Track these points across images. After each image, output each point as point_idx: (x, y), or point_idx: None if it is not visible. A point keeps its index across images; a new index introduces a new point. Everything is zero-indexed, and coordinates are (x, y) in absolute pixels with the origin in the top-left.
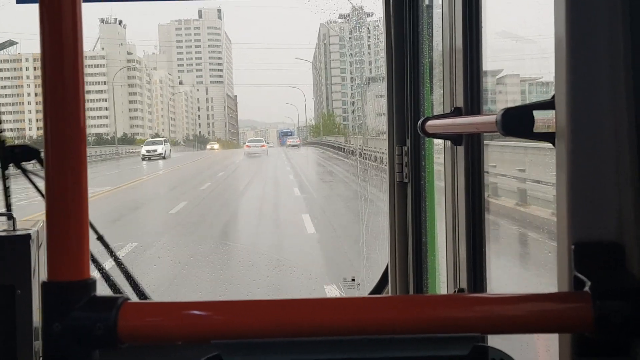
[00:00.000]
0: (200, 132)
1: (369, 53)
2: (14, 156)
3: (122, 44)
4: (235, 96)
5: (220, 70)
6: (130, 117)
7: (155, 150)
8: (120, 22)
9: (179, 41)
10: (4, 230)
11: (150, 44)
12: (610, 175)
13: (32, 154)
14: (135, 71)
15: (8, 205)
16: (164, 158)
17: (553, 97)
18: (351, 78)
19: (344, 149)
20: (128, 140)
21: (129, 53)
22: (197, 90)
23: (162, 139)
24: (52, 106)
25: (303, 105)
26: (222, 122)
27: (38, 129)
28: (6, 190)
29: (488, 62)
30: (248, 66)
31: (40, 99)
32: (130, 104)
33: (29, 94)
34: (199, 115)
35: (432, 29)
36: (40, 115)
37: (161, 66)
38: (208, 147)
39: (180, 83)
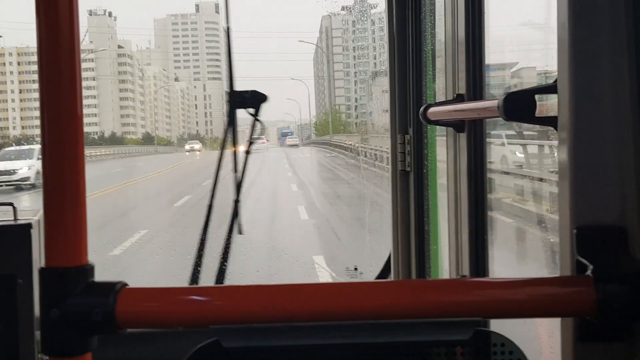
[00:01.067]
0: (197, 130)
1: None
2: (244, 101)
3: (111, 38)
4: None
5: (219, 66)
6: (121, 115)
7: (13, 172)
8: (110, 14)
9: (175, 36)
10: (5, 220)
11: (145, 39)
12: (612, 159)
13: (260, 98)
14: (127, 66)
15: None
16: (33, 186)
17: (555, 80)
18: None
19: (364, 152)
20: (117, 140)
21: (120, 47)
22: (195, 87)
23: (35, 147)
24: (48, 92)
25: (305, 100)
26: (220, 120)
27: (23, 127)
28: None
29: (498, 54)
30: (247, 57)
31: (24, 96)
32: (121, 101)
33: (12, 91)
34: (196, 113)
35: (434, 16)
36: (25, 114)
37: (156, 62)
38: (187, 147)
39: (176, 80)
